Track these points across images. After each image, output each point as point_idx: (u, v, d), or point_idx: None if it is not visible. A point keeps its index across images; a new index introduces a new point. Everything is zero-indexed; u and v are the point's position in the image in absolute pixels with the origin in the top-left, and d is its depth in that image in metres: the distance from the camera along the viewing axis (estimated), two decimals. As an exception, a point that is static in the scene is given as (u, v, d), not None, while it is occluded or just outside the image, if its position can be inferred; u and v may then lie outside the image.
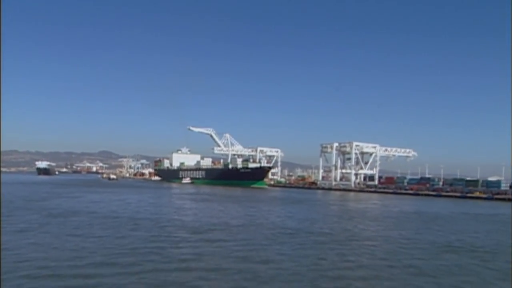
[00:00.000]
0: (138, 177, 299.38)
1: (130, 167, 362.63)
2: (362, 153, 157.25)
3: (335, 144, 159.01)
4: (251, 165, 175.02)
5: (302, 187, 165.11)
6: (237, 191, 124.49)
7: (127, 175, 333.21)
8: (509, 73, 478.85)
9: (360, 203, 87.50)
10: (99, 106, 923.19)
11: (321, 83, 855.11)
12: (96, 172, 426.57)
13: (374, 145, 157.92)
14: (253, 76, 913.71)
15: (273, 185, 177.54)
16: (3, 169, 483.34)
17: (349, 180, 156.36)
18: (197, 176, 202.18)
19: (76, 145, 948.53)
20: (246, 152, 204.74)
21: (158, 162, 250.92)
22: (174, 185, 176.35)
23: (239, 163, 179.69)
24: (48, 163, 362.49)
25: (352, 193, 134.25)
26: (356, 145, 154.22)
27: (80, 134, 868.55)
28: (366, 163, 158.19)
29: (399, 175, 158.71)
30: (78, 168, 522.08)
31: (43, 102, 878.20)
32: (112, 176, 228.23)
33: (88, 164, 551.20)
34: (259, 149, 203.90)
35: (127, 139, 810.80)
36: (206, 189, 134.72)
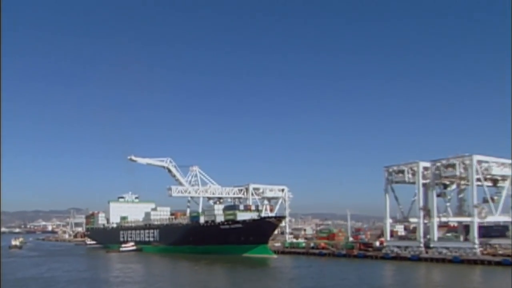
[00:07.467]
0: (79, 238, 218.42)
1: (76, 225, 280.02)
2: (485, 179, 73.07)
3: (424, 164, 75.21)
4: (242, 215, 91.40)
5: (344, 256, 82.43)
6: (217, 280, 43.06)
7: (67, 236, 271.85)
8: None
9: None
10: (63, 161, 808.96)
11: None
12: (52, 231, 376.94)
13: (507, 160, 74.27)
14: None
15: (282, 252, 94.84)
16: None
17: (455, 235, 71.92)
18: (146, 239, 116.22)
19: (47, 203, 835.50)
20: (230, 193, 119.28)
21: (90, 217, 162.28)
22: (110, 255, 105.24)
23: (219, 212, 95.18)
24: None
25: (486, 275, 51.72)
26: (479, 161, 69.89)
27: (48, 191, 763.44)
28: (485, 201, 74.36)
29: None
30: (33, 228, 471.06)
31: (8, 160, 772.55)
32: (14, 243, 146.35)
33: (43, 223, 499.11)
34: (251, 186, 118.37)
35: (95, 192, 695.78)
36: (154, 275, 52.40)
